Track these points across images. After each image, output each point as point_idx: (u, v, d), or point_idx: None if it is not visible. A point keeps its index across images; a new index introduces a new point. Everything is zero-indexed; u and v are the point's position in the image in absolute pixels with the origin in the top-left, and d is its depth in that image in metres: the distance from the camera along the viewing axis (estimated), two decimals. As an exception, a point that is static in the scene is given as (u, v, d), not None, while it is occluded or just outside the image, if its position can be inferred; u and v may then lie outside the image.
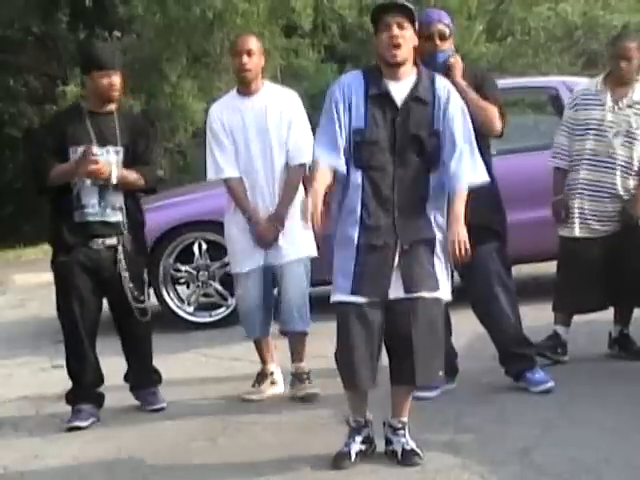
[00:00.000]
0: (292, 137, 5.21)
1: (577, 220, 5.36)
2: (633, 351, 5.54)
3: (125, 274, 5.06)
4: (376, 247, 4.06)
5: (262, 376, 5.40)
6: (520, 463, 4.07)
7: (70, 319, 5.10)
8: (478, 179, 4.15)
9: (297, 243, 5.22)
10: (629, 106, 5.30)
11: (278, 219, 5.18)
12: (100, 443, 4.85)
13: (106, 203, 5.05)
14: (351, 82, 4.13)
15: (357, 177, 4.08)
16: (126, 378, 5.38)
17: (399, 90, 4.08)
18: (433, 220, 4.13)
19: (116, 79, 5.04)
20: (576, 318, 5.56)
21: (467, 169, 4.09)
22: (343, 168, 4.09)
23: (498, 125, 4.91)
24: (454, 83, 4.62)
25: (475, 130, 4.39)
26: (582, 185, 5.35)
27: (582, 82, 5.91)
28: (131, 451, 4.69)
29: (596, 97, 5.36)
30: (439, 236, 4.15)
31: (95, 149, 4.96)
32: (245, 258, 5.26)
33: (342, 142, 4.08)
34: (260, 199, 5.22)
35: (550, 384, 5.00)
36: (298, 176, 5.24)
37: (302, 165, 5.20)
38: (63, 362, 5.24)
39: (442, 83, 4.17)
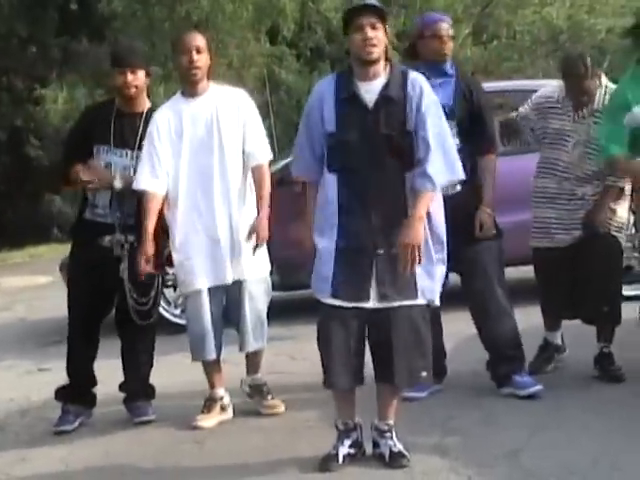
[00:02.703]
0: (249, 137, 4.98)
1: (542, 230, 5.31)
2: (609, 373, 5.27)
3: (125, 275, 5.00)
4: (355, 251, 4.07)
5: (211, 401, 5.10)
6: (508, 466, 4.07)
7: (70, 315, 5.17)
8: (454, 177, 4.16)
9: (257, 261, 5.01)
10: (591, 115, 5.21)
11: (262, 223, 4.90)
12: (88, 446, 4.85)
13: (117, 206, 5.03)
14: (322, 88, 4.19)
15: (333, 181, 4.10)
16: (121, 388, 5.28)
17: (370, 90, 4.09)
18: None
19: (130, 77, 5.02)
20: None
21: (439, 170, 4.06)
22: (319, 176, 4.18)
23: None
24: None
25: None
26: (544, 194, 5.31)
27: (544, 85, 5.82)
28: (118, 454, 4.68)
29: (558, 106, 5.28)
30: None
31: (95, 163, 4.99)
32: (207, 273, 4.95)
33: (317, 149, 4.15)
34: (216, 203, 4.93)
35: (538, 387, 4.99)
36: (263, 175, 4.98)
37: (263, 165, 5.01)
38: (49, 365, 5.23)
39: (414, 80, 4.14)
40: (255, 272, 5.02)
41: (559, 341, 5.53)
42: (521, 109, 5.47)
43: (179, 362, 6.40)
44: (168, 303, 7.52)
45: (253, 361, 5.25)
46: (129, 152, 5.06)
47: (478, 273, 5.00)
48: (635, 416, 4.59)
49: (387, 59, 4.15)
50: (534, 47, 18.69)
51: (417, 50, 5.10)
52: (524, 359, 5.14)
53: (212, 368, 5.15)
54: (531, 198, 5.42)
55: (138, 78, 5.05)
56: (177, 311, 7.50)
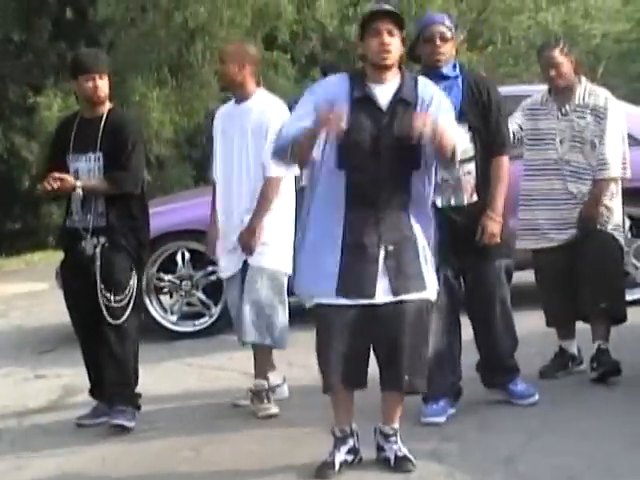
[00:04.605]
0: (268, 147, 4.97)
1: (533, 232, 5.32)
2: (607, 366, 5.21)
3: (98, 277, 5.04)
4: (361, 247, 4.07)
5: (255, 393, 5.22)
6: (504, 471, 4.08)
7: (71, 319, 5.28)
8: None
9: (268, 254, 5.12)
10: (573, 111, 5.27)
11: (250, 231, 5.08)
12: (84, 453, 4.84)
13: (87, 209, 5.11)
14: (336, 84, 4.20)
15: (341, 177, 4.10)
16: (98, 392, 5.25)
17: (384, 93, 4.12)
18: (415, 223, 4.16)
19: (100, 82, 5.10)
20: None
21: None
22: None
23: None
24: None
25: None
26: (535, 195, 5.32)
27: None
28: (115, 461, 4.67)
29: (543, 108, 5.36)
30: (420, 238, 4.17)
31: (57, 174, 5.03)
32: (225, 263, 5.31)
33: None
34: (235, 205, 5.18)
35: (535, 397, 4.94)
36: (272, 188, 5.10)
37: (277, 178, 5.08)
38: (46, 372, 5.22)
39: (425, 84, 4.21)
40: (258, 260, 5.14)
41: (575, 350, 5.49)
42: (515, 113, 5.49)
43: (175, 368, 6.43)
44: (164, 310, 7.50)
45: (257, 362, 5.27)
46: (91, 155, 5.12)
47: (483, 296, 4.88)
48: (629, 420, 4.60)
49: (399, 65, 4.18)
50: (529, 52, 18.72)
51: (416, 54, 4.94)
52: (519, 369, 5.05)
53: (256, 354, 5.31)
54: (518, 200, 5.39)
55: (106, 83, 5.14)
56: (173, 318, 7.49)
